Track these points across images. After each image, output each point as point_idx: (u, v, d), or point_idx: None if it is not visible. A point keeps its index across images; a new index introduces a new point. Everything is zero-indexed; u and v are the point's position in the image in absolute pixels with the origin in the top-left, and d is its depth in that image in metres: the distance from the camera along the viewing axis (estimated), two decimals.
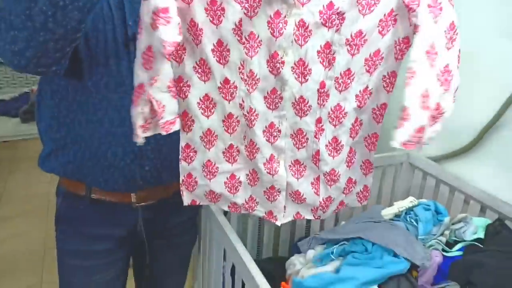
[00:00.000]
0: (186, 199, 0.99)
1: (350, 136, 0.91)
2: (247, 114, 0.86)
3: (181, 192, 0.98)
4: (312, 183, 0.94)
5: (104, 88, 0.94)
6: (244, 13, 0.76)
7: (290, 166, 0.92)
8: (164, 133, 0.81)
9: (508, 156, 1.35)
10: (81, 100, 0.96)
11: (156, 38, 0.69)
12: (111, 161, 0.99)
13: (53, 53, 0.78)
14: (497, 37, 1.34)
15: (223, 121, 0.89)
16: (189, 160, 0.94)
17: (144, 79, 0.75)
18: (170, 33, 0.69)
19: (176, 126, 0.83)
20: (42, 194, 2.84)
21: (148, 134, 0.82)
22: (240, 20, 0.77)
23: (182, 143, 0.92)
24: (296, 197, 0.95)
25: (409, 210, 1.20)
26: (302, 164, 0.92)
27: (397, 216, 1.21)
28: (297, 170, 0.93)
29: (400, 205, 1.19)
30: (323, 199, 0.96)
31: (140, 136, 0.80)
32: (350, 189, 1.00)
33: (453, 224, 1.17)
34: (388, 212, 1.19)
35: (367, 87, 0.86)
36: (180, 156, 0.94)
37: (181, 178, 0.96)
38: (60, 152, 1.01)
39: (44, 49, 0.76)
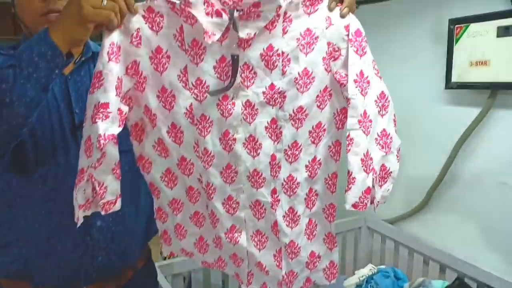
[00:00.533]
0: (165, 251, 1.01)
1: (307, 207, 0.93)
2: (205, 188, 0.89)
3: (160, 245, 1.00)
4: (274, 255, 0.94)
5: (53, 179, 0.91)
6: (194, 98, 0.81)
7: (252, 236, 0.93)
8: (103, 212, 0.81)
9: (455, 214, 1.40)
10: (27, 194, 0.92)
11: (94, 131, 0.73)
12: (61, 255, 0.93)
13: None
14: (435, 102, 1.44)
15: (186, 192, 0.92)
16: (163, 220, 0.97)
17: (85, 164, 0.77)
18: (106, 127, 0.73)
19: (117, 206, 0.84)
20: None
21: (88, 213, 0.82)
22: (191, 105, 0.82)
23: (155, 206, 0.95)
24: (259, 268, 0.95)
25: (370, 278, 1.19)
26: (264, 234, 0.93)
27: (358, 285, 1.19)
28: (259, 241, 0.94)
29: (361, 274, 1.18)
30: (285, 273, 0.95)
31: (80, 216, 0.80)
32: (315, 264, 0.99)
33: None
34: (350, 283, 1.17)
35: (315, 157, 0.90)
36: (155, 215, 0.95)
37: (160, 232, 0.98)
38: (2, 251, 0.94)
39: None
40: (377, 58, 1.75)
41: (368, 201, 0.81)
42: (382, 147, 0.83)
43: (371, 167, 0.81)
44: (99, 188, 0.79)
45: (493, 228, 1.29)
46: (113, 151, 0.78)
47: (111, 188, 0.82)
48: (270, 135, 0.85)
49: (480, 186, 1.32)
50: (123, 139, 0.93)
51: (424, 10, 1.45)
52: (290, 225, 0.93)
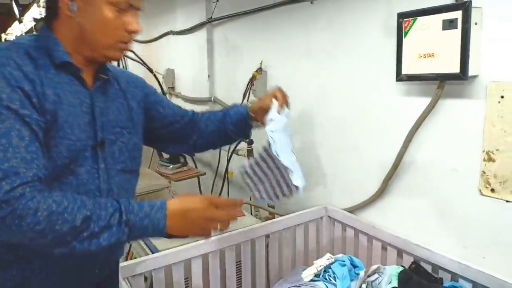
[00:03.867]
0: None
1: None
2: None
3: None
4: None
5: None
6: None
7: None
8: None
9: (410, 200, 1.46)
10: None
11: None
12: (60, 276, 0.97)
13: None
14: (387, 94, 1.48)
15: None
16: None
17: None
18: None
19: None
20: None
21: None
22: None
23: None
24: None
25: (327, 267, 1.23)
26: None
27: (316, 275, 1.22)
28: None
29: (318, 264, 1.21)
30: None
31: None
32: None
33: (368, 276, 1.21)
34: (308, 273, 1.20)
35: None
36: None
37: None
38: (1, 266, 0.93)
39: None
40: (332, 52, 1.80)
41: None
42: None
43: None
44: None
45: (446, 212, 1.35)
46: None
47: None
48: None
49: (433, 173, 1.37)
50: (138, 158, 1.09)
51: (375, 5, 1.49)
52: None
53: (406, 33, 1.32)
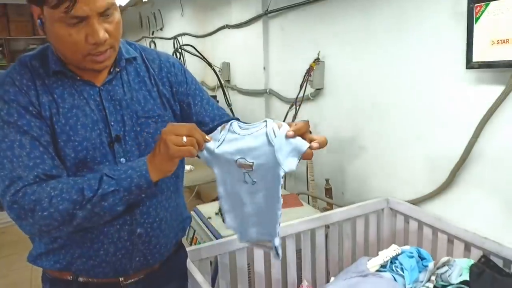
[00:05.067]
0: None
1: None
2: None
3: None
4: None
5: None
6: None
7: None
8: None
9: (479, 193, 1.40)
10: None
11: None
12: (103, 258, 1.00)
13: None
14: (456, 83, 1.43)
15: None
16: None
17: None
18: None
19: None
20: (23, 282, 2.72)
21: None
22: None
23: None
24: None
25: (394, 259, 1.21)
26: None
27: (383, 266, 1.21)
28: None
29: (385, 255, 1.20)
30: None
31: None
32: None
33: (437, 268, 1.18)
34: (374, 264, 1.20)
35: None
36: None
37: None
38: (51, 254, 1.01)
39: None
40: (394, 38, 1.74)
41: None
42: None
43: None
44: None
45: None
46: None
47: None
48: None
49: (504, 164, 1.31)
50: None
51: None
52: None
53: (477, 19, 1.27)
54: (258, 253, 1.46)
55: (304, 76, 2.15)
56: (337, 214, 1.65)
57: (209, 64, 2.68)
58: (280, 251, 0.95)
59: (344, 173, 2.05)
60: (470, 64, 1.31)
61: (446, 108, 1.48)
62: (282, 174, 0.89)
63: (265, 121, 0.92)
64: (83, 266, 1.00)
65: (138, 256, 1.04)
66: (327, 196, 2.04)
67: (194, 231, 1.89)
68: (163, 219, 1.05)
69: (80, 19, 0.85)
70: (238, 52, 3.06)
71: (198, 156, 0.93)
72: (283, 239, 1.52)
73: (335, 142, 2.07)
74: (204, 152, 0.94)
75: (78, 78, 0.98)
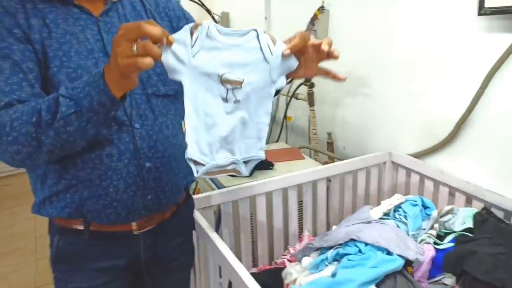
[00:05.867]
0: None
1: None
2: None
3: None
4: None
5: None
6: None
7: None
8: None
9: (483, 146, 1.39)
10: None
11: None
12: (113, 196, 0.97)
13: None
14: (466, 30, 1.39)
15: None
16: None
17: None
18: None
19: None
20: (28, 233, 2.77)
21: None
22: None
23: None
24: None
25: (397, 207, 1.22)
26: None
27: (386, 214, 1.22)
28: None
29: (388, 204, 1.21)
30: None
31: None
32: None
33: (441, 217, 1.19)
34: (377, 211, 1.20)
35: None
36: None
37: None
38: (55, 198, 0.97)
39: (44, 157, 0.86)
40: None
41: None
42: None
43: None
44: None
45: None
46: None
47: None
48: None
49: (510, 118, 1.30)
50: (170, 83, 0.99)
51: None
52: None
53: None
54: (261, 203, 1.46)
55: (308, 26, 2.08)
56: (338, 166, 1.65)
57: (208, 12, 2.59)
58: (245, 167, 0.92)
59: (346, 127, 2.04)
60: (482, 10, 1.26)
61: (453, 58, 1.44)
62: (273, 93, 0.84)
63: (255, 30, 0.82)
64: (93, 206, 0.97)
65: (150, 194, 1.02)
66: (329, 150, 2.03)
67: (197, 182, 1.89)
68: (171, 155, 1.03)
69: None
70: (238, 1, 2.96)
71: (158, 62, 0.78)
72: (285, 190, 1.52)
73: (338, 95, 2.04)
74: (169, 57, 0.78)
75: (76, 3, 0.94)
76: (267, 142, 2.31)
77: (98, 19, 0.97)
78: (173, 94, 1.05)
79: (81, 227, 1.00)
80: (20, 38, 0.87)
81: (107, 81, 0.78)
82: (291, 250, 1.54)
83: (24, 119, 0.81)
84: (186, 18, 1.12)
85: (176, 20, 1.09)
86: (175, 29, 1.05)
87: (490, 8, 1.24)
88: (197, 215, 1.23)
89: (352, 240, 1.05)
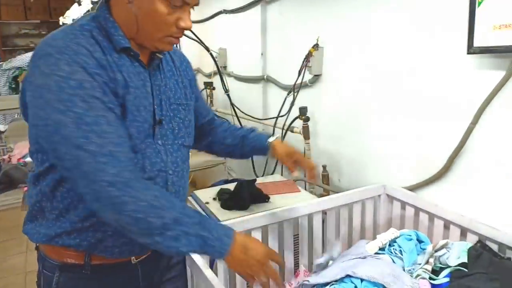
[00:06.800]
0: None
1: None
2: None
3: None
4: None
5: None
6: None
7: None
8: None
9: (476, 179, 1.41)
10: None
11: None
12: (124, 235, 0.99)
13: None
14: (456, 68, 1.43)
15: None
16: None
17: None
18: None
19: None
20: (19, 268, 2.72)
21: None
22: None
23: None
24: None
25: (392, 241, 1.22)
26: None
27: (381, 249, 1.22)
28: None
29: (383, 238, 1.21)
30: None
31: None
32: None
33: (436, 251, 1.19)
34: (372, 246, 1.20)
35: None
36: None
37: None
38: (76, 233, 0.98)
39: None
40: (395, 23, 1.73)
41: None
42: None
43: None
44: None
45: None
46: None
47: None
48: None
49: (502, 153, 1.32)
50: (191, 136, 1.15)
51: None
52: None
53: (480, 3, 1.26)
54: (257, 238, 1.45)
55: (303, 62, 2.14)
56: (334, 199, 1.65)
57: (207, 49, 2.65)
58: None
59: (341, 160, 2.06)
60: (471, 49, 1.30)
61: (445, 93, 1.48)
62: None
63: None
64: (101, 246, 1.00)
65: None
66: (324, 182, 2.04)
67: None
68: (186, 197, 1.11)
69: (183, 4, 0.92)
70: (235, 38, 3.04)
71: None
72: (281, 224, 1.52)
73: (333, 128, 2.07)
74: None
75: (139, 58, 0.98)
76: (263, 175, 2.32)
77: (150, 72, 1.02)
78: (191, 145, 1.15)
79: (81, 262, 1.01)
80: (112, 93, 0.91)
81: (227, 259, 0.91)
82: (288, 287, 1.52)
83: (160, 213, 0.86)
84: (194, 79, 1.23)
85: (192, 79, 1.20)
86: (191, 86, 1.17)
87: (479, 47, 1.29)
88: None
89: (348, 276, 1.05)
